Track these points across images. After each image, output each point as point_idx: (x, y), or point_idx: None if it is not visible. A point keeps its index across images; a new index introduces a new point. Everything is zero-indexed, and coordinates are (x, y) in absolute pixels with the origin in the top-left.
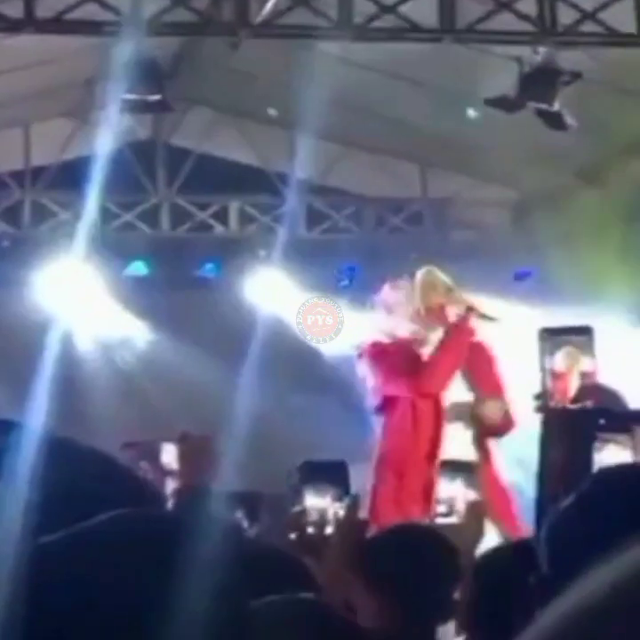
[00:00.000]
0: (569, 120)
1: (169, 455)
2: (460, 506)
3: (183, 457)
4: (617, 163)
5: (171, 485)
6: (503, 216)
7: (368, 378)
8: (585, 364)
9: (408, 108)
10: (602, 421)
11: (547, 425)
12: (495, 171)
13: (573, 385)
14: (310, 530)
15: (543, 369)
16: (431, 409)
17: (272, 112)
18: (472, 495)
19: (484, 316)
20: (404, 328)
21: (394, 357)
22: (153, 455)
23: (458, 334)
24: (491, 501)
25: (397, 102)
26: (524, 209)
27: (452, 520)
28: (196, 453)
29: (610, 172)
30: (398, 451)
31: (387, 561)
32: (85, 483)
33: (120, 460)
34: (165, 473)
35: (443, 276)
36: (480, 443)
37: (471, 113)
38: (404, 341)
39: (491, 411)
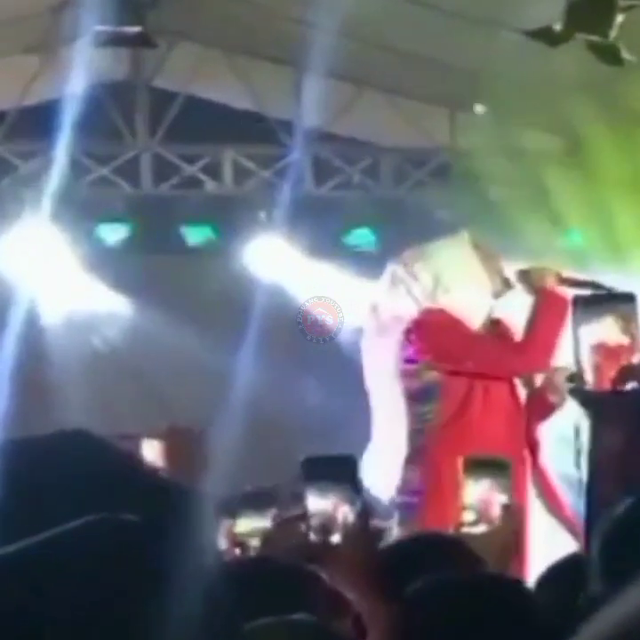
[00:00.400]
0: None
1: (152, 451)
2: (491, 512)
3: (168, 454)
4: None
5: None
6: (549, 168)
7: (410, 353)
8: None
9: (433, 41)
10: None
11: (597, 411)
12: (535, 114)
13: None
14: (313, 537)
15: (577, 344)
16: (508, 394)
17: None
18: (504, 499)
19: (577, 283)
20: (462, 298)
21: (462, 329)
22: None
23: (555, 302)
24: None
25: (421, 34)
26: (574, 159)
27: (481, 529)
28: (183, 450)
29: None
30: (463, 445)
31: (405, 575)
32: (105, 481)
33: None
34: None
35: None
36: (531, 428)
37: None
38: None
39: (560, 382)
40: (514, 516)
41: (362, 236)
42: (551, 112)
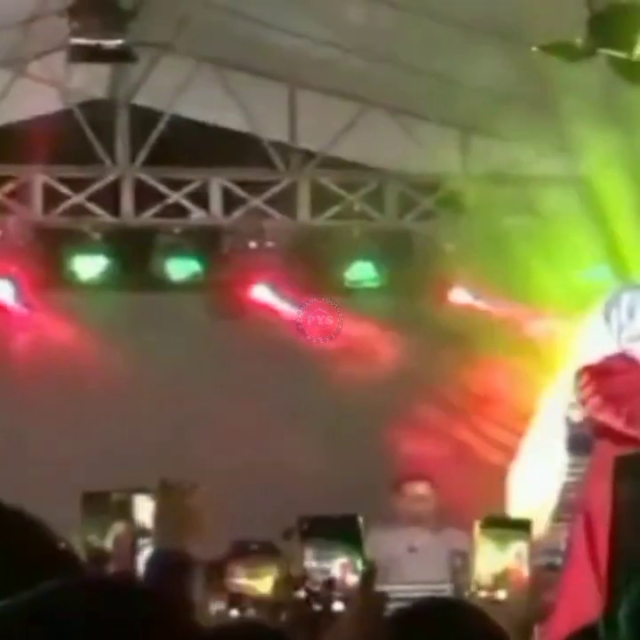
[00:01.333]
0: None
1: (144, 511)
2: (510, 577)
3: (161, 513)
4: None
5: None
6: (570, 196)
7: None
8: None
9: (445, 57)
10: None
11: (617, 471)
12: (557, 138)
13: None
14: (315, 605)
15: None
16: None
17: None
18: (525, 563)
19: None
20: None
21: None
22: (125, 511)
23: None
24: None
25: (431, 48)
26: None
27: (500, 596)
28: (179, 509)
29: None
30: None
31: None
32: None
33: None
34: (138, 533)
35: None
36: None
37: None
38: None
39: None
40: (537, 582)
41: (363, 271)
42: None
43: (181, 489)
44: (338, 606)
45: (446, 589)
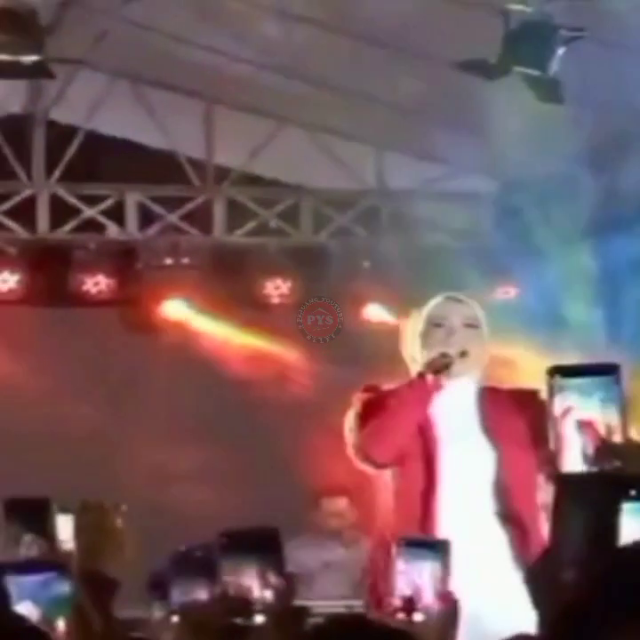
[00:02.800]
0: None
1: (64, 530)
2: (427, 599)
3: (81, 534)
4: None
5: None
6: (482, 213)
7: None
8: (610, 415)
9: (361, 73)
10: (632, 492)
11: (560, 495)
12: (472, 156)
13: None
14: (235, 618)
15: (552, 421)
16: None
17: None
18: (443, 585)
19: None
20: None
21: None
22: (42, 525)
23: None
24: None
25: (347, 65)
26: (509, 205)
27: (417, 618)
28: (97, 526)
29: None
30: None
31: None
32: None
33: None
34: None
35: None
36: None
37: None
38: None
39: None
40: (451, 605)
41: (280, 287)
42: (489, 153)
43: (102, 508)
44: (258, 619)
45: (359, 606)
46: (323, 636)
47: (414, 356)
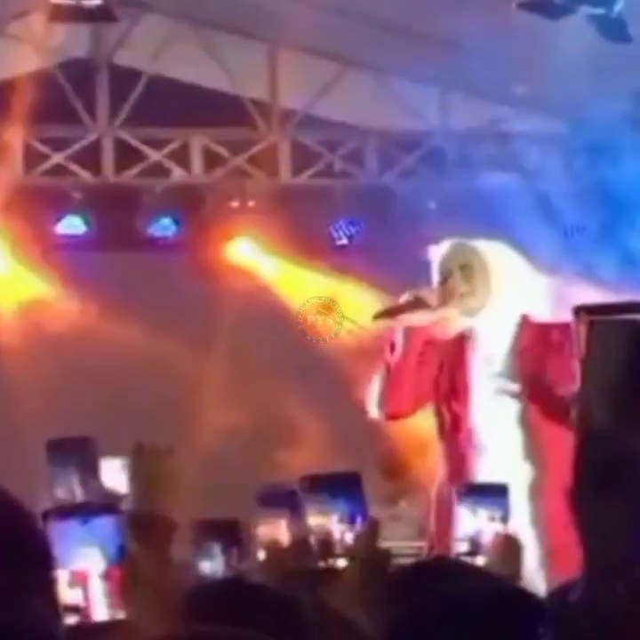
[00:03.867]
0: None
1: (112, 474)
2: (489, 542)
3: (137, 477)
4: None
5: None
6: (552, 155)
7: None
8: None
9: (423, 15)
10: None
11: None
12: (539, 95)
13: None
14: (316, 561)
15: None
16: None
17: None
18: (501, 528)
19: None
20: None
21: None
22: (87, 467)
23: None
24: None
25: (410, 6)
26: (578, 145)
27: (480, 561)
28: (151, 471)
29: None
30: None
31: (418, 599)
32: None
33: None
34: (106, 497)
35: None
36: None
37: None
38: None
39: None
40: (514, 547)
41: (345, 228)
42: (555, 92)
43: (156, 452)
44: (340, 563)
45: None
46: (413, 578)
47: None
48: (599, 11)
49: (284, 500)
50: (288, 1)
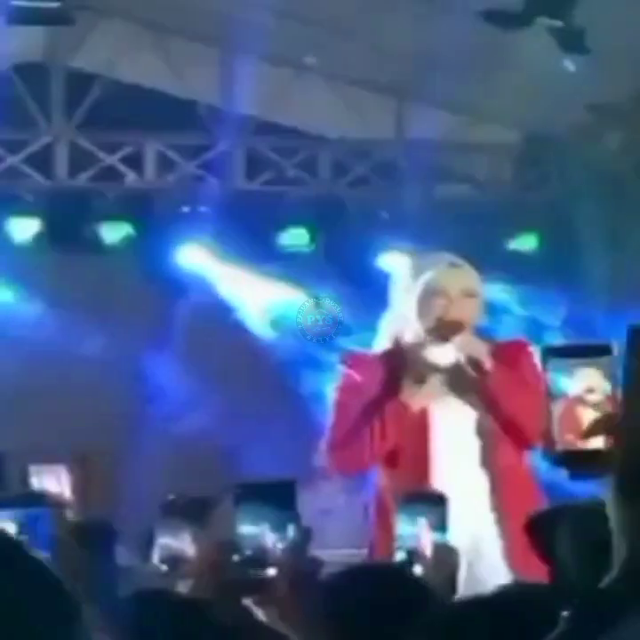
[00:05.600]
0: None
1: (54, 480)
2: (427, 552)
3: (77, 483)
4: None
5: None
6: (502, 165)
7: None
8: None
9: (381, 23)
10: None
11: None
12: (493, 106)
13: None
14: (247, 570)
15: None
16: None
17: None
18: (439, 537)
19: None
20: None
21: None
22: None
23: None
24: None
25: (367, 14)
26: (528, 157)
27: (418, 571)
28: (93, 479)
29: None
30: None
31: (350, 606)
32: None
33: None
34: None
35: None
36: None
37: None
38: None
39: None
40: (450, 557)
41: (297, 237)
42: (509, 103)
43: (100, 460)
44: (271, 571)
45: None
46: (342, 585)
47: (408, 317)
48: (557, 23)
49: (191, 510)
50: (244, 7)
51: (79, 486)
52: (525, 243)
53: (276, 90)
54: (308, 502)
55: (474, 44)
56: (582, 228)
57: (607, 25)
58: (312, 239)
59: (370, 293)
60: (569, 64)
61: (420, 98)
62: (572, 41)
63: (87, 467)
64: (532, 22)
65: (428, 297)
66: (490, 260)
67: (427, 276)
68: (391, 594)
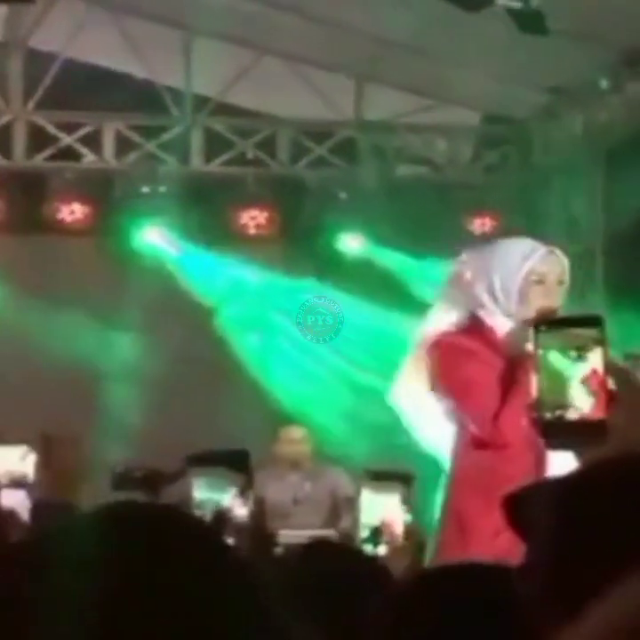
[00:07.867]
0: (550, 22)
1: (19, 461)
2: (392, 531)
3: (44, 464)
4: (608, 79)
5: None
6: (461, 147)
7: None
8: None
9: (341, 3)
10: None
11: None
12: (453, 88)
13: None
14: None
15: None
16: None
17: None
18: (405, 517)
19: None
20: None
21: None
22: None
23: None
24: None
25: None
26: (488, 138)
27: (381, 550)
28: (60, 459)
29: (598, 94)
30: None
31: (302, 579)
32: None
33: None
34: (11, 485)
35: None
36: None
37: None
38: None
39: None
40: (416, 535)
41: (256, 217)
42: (469, 85)
43: (63, 441)
44: (229, 540)
45: (331, 535)
46: (297, 564)
47: (508, 309)
48: (516, 3)
49: (140, 482)
50: None
51: (42, 466)
52: (484, 224)
53: (235, 71)
54: (279, 493)
55: (433, 24)
56: (541, 209)
57: (565, 6)
58: (271, 219)
59: (327, 273)
60: (528, 45)
61: (379, 79)
62: (531, 22)
63: (51, 447)
64: (492, 3)
65: (528, 284)
66: (449, 241)
67: (530, 262)
68: (345, 569)
